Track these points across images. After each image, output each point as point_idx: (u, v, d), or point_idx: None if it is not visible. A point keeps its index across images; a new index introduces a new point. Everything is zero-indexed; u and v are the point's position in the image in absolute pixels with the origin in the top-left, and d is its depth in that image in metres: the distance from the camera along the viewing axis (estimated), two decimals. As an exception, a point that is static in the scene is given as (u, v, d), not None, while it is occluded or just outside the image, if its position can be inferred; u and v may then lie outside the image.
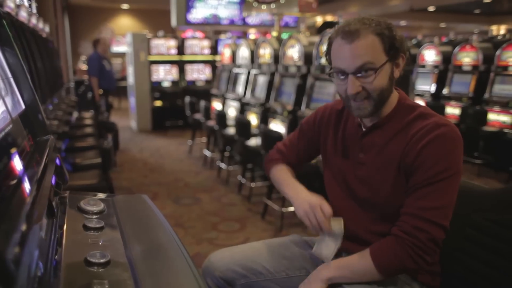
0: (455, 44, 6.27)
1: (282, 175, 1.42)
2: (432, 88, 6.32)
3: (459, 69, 5.94)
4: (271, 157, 1.50)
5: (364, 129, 1.24)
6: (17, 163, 0.85)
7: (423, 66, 6.58)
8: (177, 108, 7.82)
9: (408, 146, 1.12)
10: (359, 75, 1.11)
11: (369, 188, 1.22)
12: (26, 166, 0.90)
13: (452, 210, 1.11)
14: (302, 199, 1.25)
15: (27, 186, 0.83)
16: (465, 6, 14.38)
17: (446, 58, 6.19)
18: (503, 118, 5.03)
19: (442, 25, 17.98)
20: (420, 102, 6.05)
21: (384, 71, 1.12)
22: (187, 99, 6.06)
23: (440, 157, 1.08)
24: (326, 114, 1.38)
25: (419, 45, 7.20)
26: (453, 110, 5.72)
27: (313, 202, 1.22)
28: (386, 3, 13.55)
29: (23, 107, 1.21)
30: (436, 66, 6.38)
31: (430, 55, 6.51)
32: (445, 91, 6.01)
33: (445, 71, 6.18)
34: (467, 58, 5.85)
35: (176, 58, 8.11)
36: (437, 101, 6.06)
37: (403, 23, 17.70)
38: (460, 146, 1.10)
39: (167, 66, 8.02)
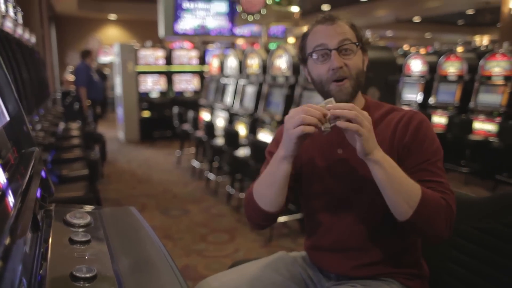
0: (440, 54, 6.37)
1: (259, 179, 1.25)
2: (419, 97, 6.40)
3: (444, 78, 6.03)
4: (246, 196, 1.30)
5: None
6: (1, 176, 0.83)
7: (410, 76, 6.67)
8: (165, 119, 7.79)
9: (399, 129, 1.17)
10: (342, 51, 1.16)
11: (350, 185, 1.19)
12: (10, 179, 0.88)
13: None
14: (282, 142, 1.13)
15: (10, 199, 0.81)
16: (449, 17, 14.69)
17: (432, 68, 6.29)
18: (488, 127, 5.11)
19: (427, 35, 18.31)
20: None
21: (358, 55, 1.19)
22: (175, 109, 6.05)
23: (432, 137, 1.17)
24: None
25: (405, 55, 7.30)
26: (439, 119, 5.79)
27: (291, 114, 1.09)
28: (372, 14, 13.75)
29: (8, 118, 1.19)
30: (422, 76, 6.47)
31: (416, 65, 6.60)
32: (431, 100, 6.10)
33: (431, 80, 6.27)
34: (452, 67, 5.95)
35: (164, 68, 8.11)
36: (424, 110, 6.13)
37: (389, 33, 17.98)
38: None
39: (155, 77, 8.01)
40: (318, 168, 1.25)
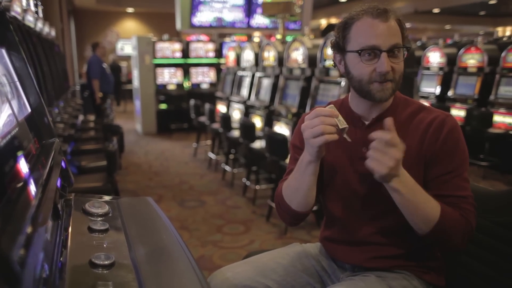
0: (460, 46, 6.25)
1: (288, 182, 1.26)
2: (437, 90, 6.30)
3: (464, 71, 5.92)
4: (276, 198, 1.33)
5: (366, 123, 1.21)
6: (23, 166, 0.86)
7: (428, 68, 6.56)
8: (182, 111, 7.85)
9: (429, 134, 1.14)
10: (391, 54, 1.11)
11: (371, 183, 1.16)
12: (31, 169, 0.91)
13: None
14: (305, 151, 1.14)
15: (32, 188, 0.84)
16: (470, 8, 14.35)
17: (451, 60, 6.17)
18: (509, 120, 5.00)
19: (447, 27, 17.94)
20: (425, 104, 6.06)
21: (402, 58, 1.15)
22: (192, 102, 6.08)
23: (461, 147, 1.14)
24: None
25: (423, 47, 7.18)
26: (458, 112, 5.69)
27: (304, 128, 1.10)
28: (391, 5, 13.51)
29: (29, 110, 1.22)
30: (441, 68, 6.36)
31: (434, 57, 6.49)
32: (450, 93, 5.99)
33: (450, 73, 6.15)
34: (472, 60, 5.83)
35: (181, 61, 8.15)
36: (442, 103, 6.04)
37: (407, 25, 17.66)
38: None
39: (172, 69, 8.06)
40: (341, 164, 1.25)
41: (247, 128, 4.13)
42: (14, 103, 1.06)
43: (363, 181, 1.21)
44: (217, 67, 8.38)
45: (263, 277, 1.27)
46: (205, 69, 8.40)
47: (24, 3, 2.84)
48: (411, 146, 1.12)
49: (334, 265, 1.32)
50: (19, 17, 2.71)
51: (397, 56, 1.12)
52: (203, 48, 8.41)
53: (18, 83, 1.20)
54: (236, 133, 4.54)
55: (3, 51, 1.18)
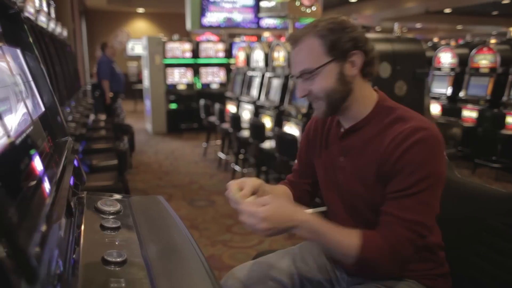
0: (472, 47, 6.19)
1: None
2: (448, 91, 6.24)
3: (476, 71, 5.86)
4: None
5: (342, 131, 1.22)
6: (38, 164, 0.87)
7: (439, 69, 6.51)
8: (192, 111, 7.88)
9: (386, 152, 1.07)
10: (301, 79, 1.15)
11: (351, 193, 1.18)
12: (46, 167, 0.93)
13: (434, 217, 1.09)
14: None
15: (47, 186, 0.85)
16: (483, 8, 14.19)
17: (463, 61, 6.11)
18: (522, 121, 4.95)
19: (459, 27, 17.77)
20: (436, 105, 6.00)
21: (327, 72, 1.11)
22: (202, 102, 6.10)
23: (420, 164, 1.02)
24: (312, 126, 1.36)
25: (435, 47, 7.12)
26: (470, 113, 5.64)
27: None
28: (402, 5, 13.45)
29: (43, 109, 1.24)
30: (452, 69, 6.30)
31: (446, 58, 6.43)
32: (461, 94, 5.94)
33: (461, 73, 6.09)
34: (484, 60, 5.77)
35: (191, 61, 8.18)
36: (454, 104, 5.98)
37: (418, 25, 17.54)
38: (441, 151, 1.05)
39: (182, 69, 8.09)
40: (325, 175, 1.27)
41: (257, 128, 4.14)
42: (29, 102, 1.08)
43: (341, 191, 1.21)
44: (227, 67, 8.40)
45: (273, 277, 1.28)
46: (215, 69, 8.42)
47: (37, 4, 2.87)
48: (372, 161, 1.10)
49: (341, 268, 1.32)
50: (32, 18, 2.75)
51: (311, 78, 1.12)
52: (213, 48, 8.43)
53: (32, 83, 1.22)
54: (246, 133, 4.54)
55: (18, 52, 1.20)
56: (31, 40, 1.27)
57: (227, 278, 1.30)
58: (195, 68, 8.20)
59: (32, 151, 0.89)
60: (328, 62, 1.10)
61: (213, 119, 5.62)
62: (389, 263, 1.04)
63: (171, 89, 7.94)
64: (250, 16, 8.32)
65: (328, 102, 1.14)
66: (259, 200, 1.06)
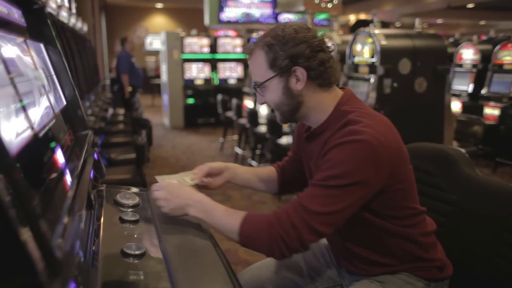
0: (495, 43, 6.04)
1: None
2: (470, 88, 6.12)
3: (499, 68, 5.72)
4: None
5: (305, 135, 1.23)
6: (60, 157, 0.89)
7: (461, 65, 6.38)
8: (209, 106, 7.90)
9: (327, 144, 1.08)
10: (259, 89, 1.17)
11: None
12: (67, 160, 0.94)
13: (342, 218, 1.04)
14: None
15: (68, 179, 0.87)
16: (507, 2, 13.83)
17: (486, 57, 5.98)
18: (546, 119, 4.82)
19: (482, 22, 17.37)
20: (457, 102, 5.89)
21: (273, 86, 1.12)
22: (219, 97, 6.12)
23: (339, 162, 1.01)
24: (299, 126, 1.36)
25: (456, 43, 6.98)
26: (492, 111, 5.52)
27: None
28: (422, 1, 13.22)
29: (65, 103, 1.26)
30: (474, 65, 6.17)
31: (468, 54, 6.30)
32: (483, 91, 5.81)
33: (484, 70, 5.96)
34: (508, 56, 5.63)
35: (209, 56, 8.20)
36: (475, 101, 5.87)
37: (439, 21, 17.21)
38: (371, 159, 1.00)
39: (200, 64, 8.12)
40: (307, 171, 1.29)
41: (274, 123, 4.13)
42: (51, 96, 1.10)
43: None
44: (244, 62, 8.39)
45: (289, 272, 1.31)
46: (233, 64, 8.42)
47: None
48: (319, 164, 1.10)
49: (341, 264, 1.34)
50: (54, 13, 2.79)
51: (263, 90, 1.15)
52: (231, 44, 8.43)
53: (54, 77, 1.24)
54: (263, 129, 4.54)
55: (42, 46, 1.22)
56: (54, 34, 1.29)
57: (244, 273, 1.33)
58: (213, 63, 8.22)
59: (55, 144, 0.90)
60: (272, 77, 1.12)
61: (230, 114, 5.63)
62: (266, 240, 1.02)
63: (189, 84, 7.98)
64: (268, 11, 8.29)
65: (280, 113, 1.18)
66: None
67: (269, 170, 1.44)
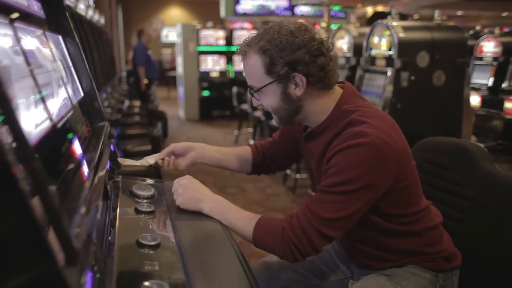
0: (518, 35, 5.90)
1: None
2: (490, 81, 5.99)
3: (521, 61, 5.59)
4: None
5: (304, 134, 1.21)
6: (77, 148, 0.90)
7: (481, 58, 6.25)
8: (224, 98, 7.91)
9: (328, 152, 1.05)
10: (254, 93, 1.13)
11: None
12: (84, 151, 0.96)
13: (351, 221, 1.03)
14: None
15: (85, 169, 0.88)
16: (530, -6, 13.45)
17: (508, 50, 5.84)
18: None
19: (504, 14, 16.94)
20: (476, 96, 5.78)
21: (271, 91, 1.09)
22: (235, 89, 6.11)
23: (347, 167, 0.98)
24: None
25: (476, 36, 6.83)
26: (512, 105, 5.40)
27: None
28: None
29: (82, 94, 1.28)
30: (495, 58, 6.04)
31: (489, 47, 6.16)
32: (504, 84, 5.68)
33: (505, 63, 5.83)
34: (530, 49, 5.50)
35: (224, 48, 8.19)
36: (495, 95, 5.74)
37: (459, 12, 16.85)
38: (378, 161, 0.99)
39: (215, 57, 8.12)
40: (308, 169, 1.29)
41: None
42: (69, 88, 1.11)
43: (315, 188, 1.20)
44: (260, 55, 8.36)
45: (300, 266, 1.32)
46: (248, 57, 8.40)
47: (76, -9, 2.94)
48: (321, 164, 1.10)
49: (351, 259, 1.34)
50: (72, 6, 2.82)
51: (260, 94, 1.11)
52: (246, 36, 8.38)
53: (72, 68, 1.26)
54: (277, 122, 4.53)
55: (60, 38, 1.24)
56: (72, 27, 1.30)
57: (257, 265, 1.34)
58: (229, 56, 8.21)
59: (72, 135, 0.91)
60: (269, 83, 1.08)
61: (245, 106, 5.63)
62: (279, 246, 1.04)
63: (204, 76, 7.99)
64: (284, 3, 8.25)
65: (278, 117, 1.15)
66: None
67: (243, 149, 1.44)
